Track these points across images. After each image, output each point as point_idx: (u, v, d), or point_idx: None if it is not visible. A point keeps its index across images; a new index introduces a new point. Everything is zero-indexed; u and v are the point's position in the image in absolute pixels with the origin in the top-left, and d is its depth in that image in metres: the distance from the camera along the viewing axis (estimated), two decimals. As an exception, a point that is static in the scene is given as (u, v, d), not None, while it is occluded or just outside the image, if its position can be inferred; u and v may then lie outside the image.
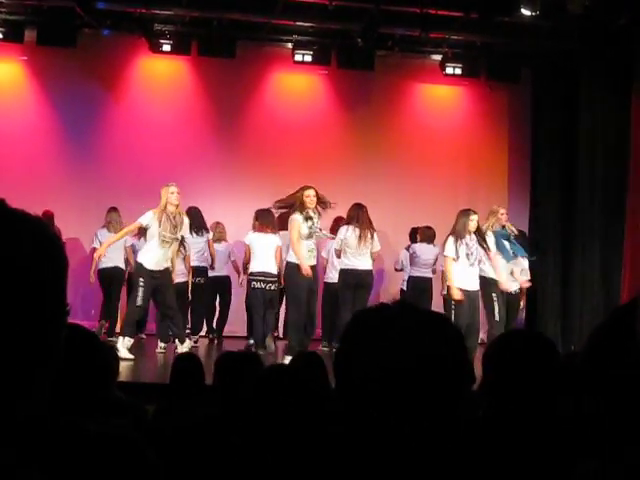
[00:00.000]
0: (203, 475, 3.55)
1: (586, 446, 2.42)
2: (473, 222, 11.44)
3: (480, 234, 11.55)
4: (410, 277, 13.96)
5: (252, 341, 12.94)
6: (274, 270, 12.39)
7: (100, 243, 13.20)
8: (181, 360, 5.83)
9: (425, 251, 13.97)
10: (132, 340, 11.56)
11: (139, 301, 11.41)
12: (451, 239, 11.46)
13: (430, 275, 13.98)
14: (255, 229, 12.71)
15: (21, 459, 1.23)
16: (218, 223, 13.86)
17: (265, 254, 12.33)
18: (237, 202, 14.39)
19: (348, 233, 12.03)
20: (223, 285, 13.91)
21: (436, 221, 14.75)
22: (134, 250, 13.52)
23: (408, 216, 14.88)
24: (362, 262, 12.21)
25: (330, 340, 13.29)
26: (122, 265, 13.65)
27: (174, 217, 11.48)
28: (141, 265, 11.57)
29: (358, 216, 12.04)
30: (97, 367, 3.11)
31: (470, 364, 1.74)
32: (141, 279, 11.45)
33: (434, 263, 13.91)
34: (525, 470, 2.54)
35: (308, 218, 11.37)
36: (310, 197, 11.41)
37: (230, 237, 13.99)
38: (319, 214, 11.62)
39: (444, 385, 1.64)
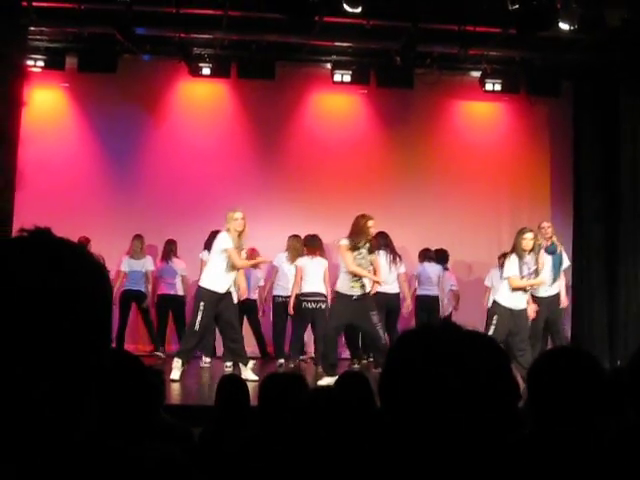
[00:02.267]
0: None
1: (632, 460, 2.40)
2: (526, 241, 11.39)
3: (534, 253, 11.52)
4: (417, 296, 14.07)
5: (282, 360, 13.26)
6: (323, 290, 12.81)
7: (124, 271, 13.69)
8: (226, 382, 5.84)
9: (427, 270, 14.22)
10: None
11: (197, 326, 11.46)
12: (514, 259, 11.44)
13: (435, 293, 14.20)
14: (305, 253, 13.17)
15: None
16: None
17: (315, 276, 12.76)
18: (279, 224, 14.39)
19: (380, 259, 12.40)
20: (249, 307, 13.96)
21: (479, 238, 14.79)
22: (160, 276, 14.03)
23: (451, 234, 14.85)
24: (392, 286, 13.02)
25: (359, 357, 13.77)
26: (144, 290, 13.98)
27: (239, 242, 11.59)
28: (207, 290, 11.50)
29: (386, 243, 12.52)
30: (143, 391, 3.13)
31: (515, 381, 1.74)
32: (202, 303, 11.50)
33: (438, 281, 14.23)
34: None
35: (356, 249, 11.49)
36: (372, 228, 11.60)
37: (268, 256, 14.01)
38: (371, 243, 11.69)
39: (490, 402, 1.63)
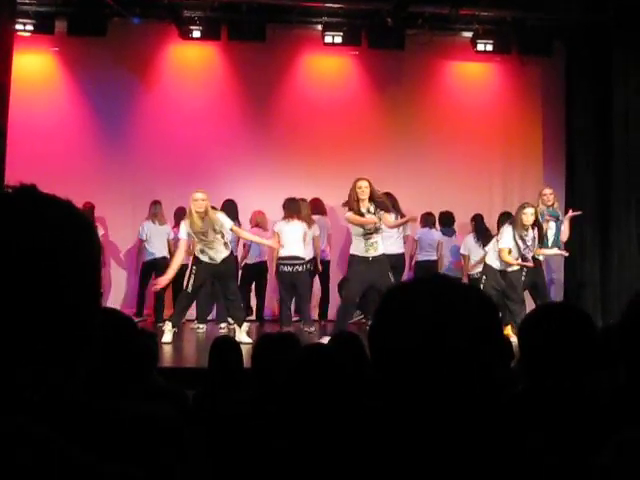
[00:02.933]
0: (242, 459, 3.56)
1: (623, 417, 2.40)
2: (526, 216, 11.45)
3: (539, 226, 11.57)
4: (417, 262, 14.14)
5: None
6: (301, 254, 12.85)
7: (146, 235, 13.56)
8: (219, 344, 5.84)
9: (428, 235, 14.26)
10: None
11: (189, 288, 11.69)
12: (509, 230, 11.52)
13: (435, 257, 14.28)
14: (283, 217, 13.13)
15: (60, 436, 1.24)
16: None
17: (292, 240, 12.80)
18: (271, 186, 14.38)
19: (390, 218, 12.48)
20: (259, 270, 14.04)
21: (471, 200, 14.77)
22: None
23: (443, 196, 14.83)
24: (398, 246, 13.14)
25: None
26: (167, 255, 13.81)
27: (202, 224, 11.59)
28: (198, 259, 11.79)
29: (393, 204, 12.48)
30: (136, 352, 3.13)
31: (506, 338, 1.73)
32: (194, 267, 11.71)
33: (437, 246, 14.30)
34: (564, 443, 2.53)
35: (359, 214, 11.40)
36: (362, 188, 11.32)
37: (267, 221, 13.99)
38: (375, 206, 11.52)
39: (480, 357, 1.63)
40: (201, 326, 13.21)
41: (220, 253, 11.69)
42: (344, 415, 2.81)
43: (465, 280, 12.94)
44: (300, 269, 12.76)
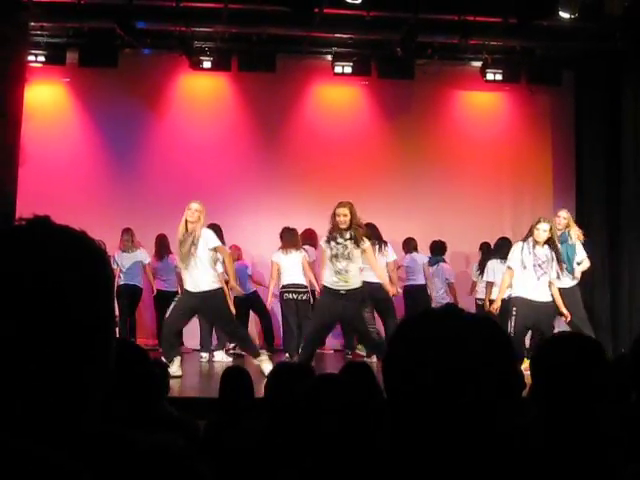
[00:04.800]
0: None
1: (636, 449, 2.39)
2: (539, 231, 10.85)
3: (553, 245, 11.00)
4: (405, 287, 13.97)
5: (287, 354, 12.84)
6: (303, 282, 12.81)
7: (118, 265, 13.44)
8: (229, 374, 5.84)
9: (416, 260, 14.17)
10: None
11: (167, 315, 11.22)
12: (517, 247, 11.06)
13: (422, 282, 14.08)
14: (280, 248, 13.04)
15: (76, 466, 1.24)
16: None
17: (292, 269, 12.79)
18: (281, 216, 14.34)
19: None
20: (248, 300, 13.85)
21: (481, 228, 14.72)
22: (153, 271, 13.99)
23: (453, 224, 14.83)
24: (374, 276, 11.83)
25: (352, 348, 13.67)
26: (140, 284, 13.85)
27: (185, 235, 10.76)
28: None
29: (373, 233, 12.11)
30: (147, 382, 3.12)
31: (518, 369, 1.73)
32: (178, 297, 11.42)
33: (422, 269, 14.12)
34: (575, 475, 2.52)
35: (331, 239, 10.63)
36: (340, 217, 10.50)
37: (271, 251, 13.85)
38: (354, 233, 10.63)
39: (492, 388, 1.63)
40: (203, 355, 13.06)
41: (200, 282, 10.71)
42: (354, 446, 2.81)
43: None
44: (304, 297, 12.76)
